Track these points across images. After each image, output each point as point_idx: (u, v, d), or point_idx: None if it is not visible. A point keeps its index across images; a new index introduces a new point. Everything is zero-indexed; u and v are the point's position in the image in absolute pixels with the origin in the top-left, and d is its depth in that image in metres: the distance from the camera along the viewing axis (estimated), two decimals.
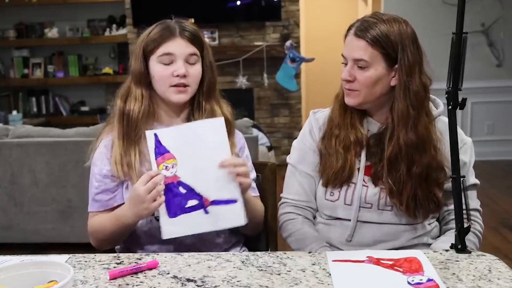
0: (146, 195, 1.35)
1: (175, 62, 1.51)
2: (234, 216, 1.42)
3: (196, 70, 1.53)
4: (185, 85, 1.51)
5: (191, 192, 1.40)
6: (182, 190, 1.39)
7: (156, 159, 1.38)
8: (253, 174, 1.65)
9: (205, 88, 1.57)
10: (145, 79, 1.54)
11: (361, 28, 1.51)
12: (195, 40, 1.53)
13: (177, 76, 1.50)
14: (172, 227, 1.40)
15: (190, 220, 1.40)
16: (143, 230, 1.56)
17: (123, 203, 1.52)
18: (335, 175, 1.57)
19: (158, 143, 1.38)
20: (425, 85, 1.52)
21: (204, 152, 1.40)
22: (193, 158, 1.39)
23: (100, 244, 1.58)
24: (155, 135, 1.39)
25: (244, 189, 1.44)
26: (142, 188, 1.35)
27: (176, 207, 1.39)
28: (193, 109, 1.59)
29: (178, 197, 1.39)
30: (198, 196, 1.40)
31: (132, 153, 1.51)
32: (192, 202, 1.40)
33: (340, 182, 1.58)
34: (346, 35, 1.55)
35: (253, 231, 1.67)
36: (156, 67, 1.52)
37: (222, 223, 1.44)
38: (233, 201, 1.42)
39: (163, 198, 1.37)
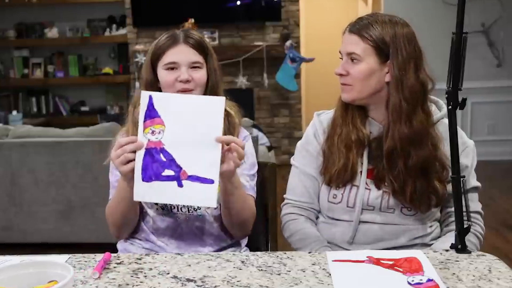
0: (115, 159, 1.41)
1: (179, 69, 1.58)
2: (206, 196, 1.40)
3: (200, 75, 1.59)
4: (190, 90, 1.58)
5: (171, 162, 1.38)
6: (162, 157, 1.38)
7: (144, 121, 1.37)
8: (253, 170, 1.66)
9: (209, 91, 1.63)
10: (155, 85, 1.62)
11: (355, 24, 1.55)
12: (199, 47, 1.60)
13: (181, 81, 1.57)
14: (144, 191, 1.40)
15: (163, 189, 1.40)
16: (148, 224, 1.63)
17: None
18: (337, 174, 1.58)
19: (151, 106, 1.37)
20: (422, 82, 1.53)
21: (196, 126, 1.38)
22: (183, 129, 1.38)
23: (116, 229, 1.62)
24: (150, 97, 1.37)
25: (229, 172, 1.42)
26: (112, 154, 1.42)
27: (152, 172, 1.39)
28: None
29: (156, 163, 1.39)
30: (177, 168, 1.39)
31: None
32: (169, 172, 1.39)
33: (343, 182, 1.58)
34: (343, 34, 1.59)
35: (238, 231, 1.64)
36: (162, 74, 1.60)
37: (193, 200, 1.44)
38: (211, 181, 1.38)
39: (132, 164, 1.39)
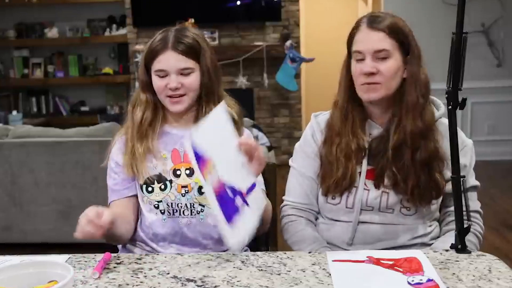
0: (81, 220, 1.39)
1: (168, 76, 1.57)
2: (260, 200, 1.45)
3: (190, 81, 1.58)
4: (181, 95, 1.58)
5: (235, 192, 1.37)
6: (230, 193, 1.36)
7: (199, 167, 1.33)
8: None
9: (204, 92, 1.61)
10: (151, 87, 1.62)
11: (375, 21, 1.52)
12: (189, 52, 1.57)
13: (170, 89, 1.57)
14: (235, 237, 1.37)
15: (243, 222, 1.38)
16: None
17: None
18: (335, 184, 1.57)
19: (194, 148, 1.33)
20: (427, 76, 1.55)
21: (222, 142, 1.38)
22: (219, 152, 1.37)
23: (110, 240, 1.62)
24: (192, 140, 1.33)
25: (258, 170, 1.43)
26: (81, 220, 1.40)
27: (231, 211, 1.36)
28: (198, 110, 1.64)
29: (229, 202, 1.36)
30: (239, 193, 1.38)
31: (139, 148, 1.59)
32: (238, 201, 1.38)
33: (340, 191, 1.58)
34: (355, 32, 1.54)
35: (264, 228, 1.65)
36: (154, 79, 1.60)
37: (258, 210, 1.44)
38: (254, 185, 1.42)
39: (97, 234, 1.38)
